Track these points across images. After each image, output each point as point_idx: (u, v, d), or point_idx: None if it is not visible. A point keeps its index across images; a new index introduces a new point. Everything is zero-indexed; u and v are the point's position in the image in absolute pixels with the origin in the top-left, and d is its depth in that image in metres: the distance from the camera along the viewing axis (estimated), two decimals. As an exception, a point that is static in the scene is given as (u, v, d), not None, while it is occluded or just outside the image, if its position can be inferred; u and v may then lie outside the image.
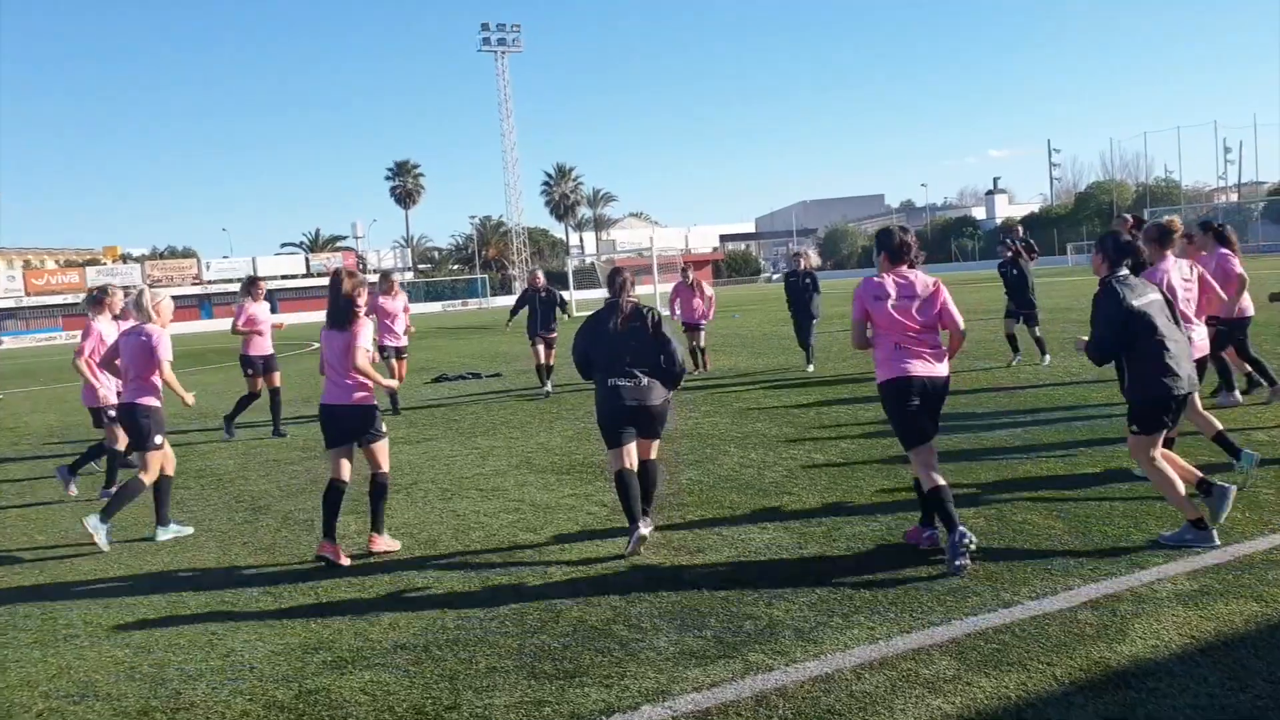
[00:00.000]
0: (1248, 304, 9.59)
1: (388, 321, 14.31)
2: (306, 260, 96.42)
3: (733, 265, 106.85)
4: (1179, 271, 7.13)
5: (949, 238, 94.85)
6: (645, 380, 6.45)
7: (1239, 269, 9.18)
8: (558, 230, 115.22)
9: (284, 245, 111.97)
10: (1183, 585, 5.01)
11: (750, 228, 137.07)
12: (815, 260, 15.14)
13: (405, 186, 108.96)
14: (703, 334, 17.28)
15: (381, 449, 6.87)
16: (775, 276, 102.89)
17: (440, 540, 6.99)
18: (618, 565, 6.09)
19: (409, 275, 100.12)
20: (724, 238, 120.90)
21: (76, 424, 15.89)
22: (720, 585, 5.56)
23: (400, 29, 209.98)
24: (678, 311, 17.28)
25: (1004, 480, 7.41)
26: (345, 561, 6.52)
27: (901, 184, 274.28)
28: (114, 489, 8.48)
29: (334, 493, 6.72)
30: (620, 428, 6.50)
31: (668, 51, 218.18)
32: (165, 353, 7.59)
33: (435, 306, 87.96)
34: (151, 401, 7.65)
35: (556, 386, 15.59)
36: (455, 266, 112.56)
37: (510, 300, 36.05)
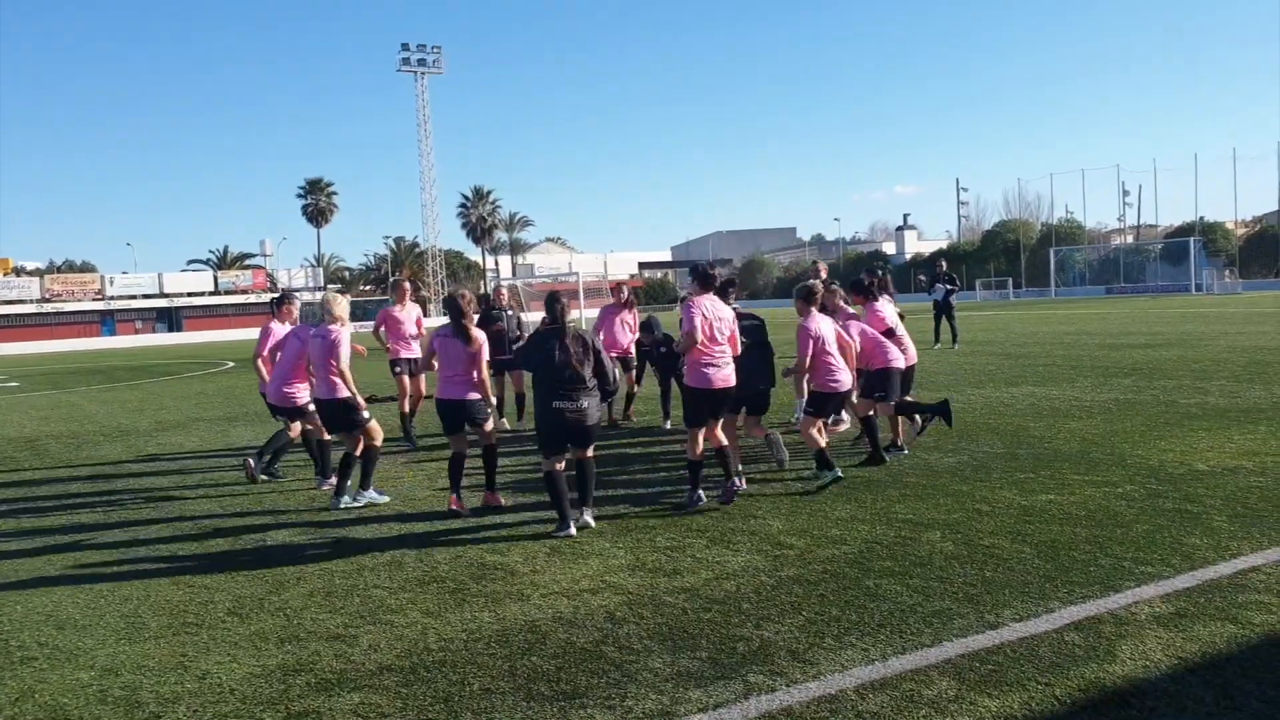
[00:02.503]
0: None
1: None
2: (214, 277, 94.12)
3: (651, 293, 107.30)
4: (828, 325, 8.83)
5: (860, 271, 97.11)
6: (585, 401, 7.40)
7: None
8: (474, 253, 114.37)
9: (191, 262, 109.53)
10: (1159, 608, 5.16)
11: (667, 256, 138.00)
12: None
13: (317, 204, 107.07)
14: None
15: (489, 425, 8.41)
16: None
17: (404, 562, 6.85)
18: (594, 586, 6.04)
19: (319, 295, 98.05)
20: (642, 265, 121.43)
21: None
22: (704, 607, 5.55)
23: (317, 44, 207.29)
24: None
25: (964, 508, 7.53)
26: (465, 509, 8.14)
27: (812, 217, 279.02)
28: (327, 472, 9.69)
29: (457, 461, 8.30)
30: (559, 443, 7.47)
31: (586, 78, 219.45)
32: (345, 350, 8.81)
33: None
34: (344, 393, 8.73)
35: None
36: (366, 287, 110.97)
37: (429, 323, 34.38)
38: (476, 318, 8.31)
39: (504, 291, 14.25)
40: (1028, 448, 9.87)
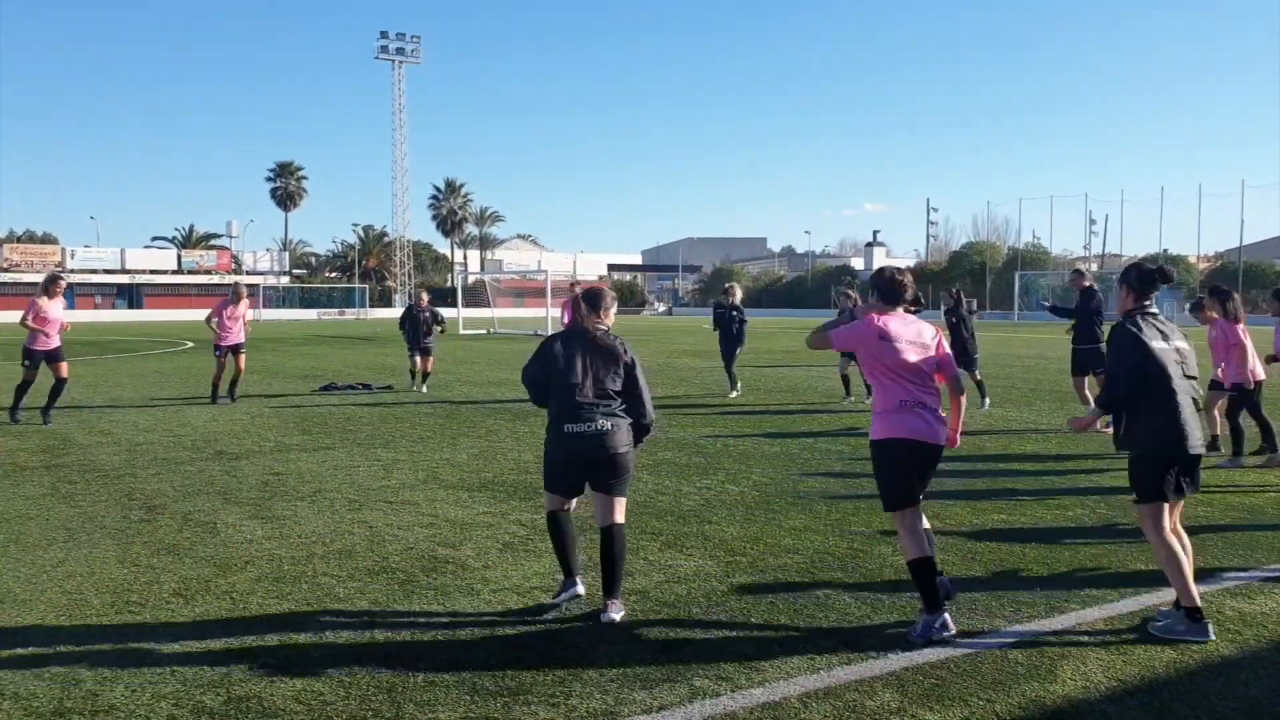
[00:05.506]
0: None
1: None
2: (178, 256, 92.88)
3: (619, 295, 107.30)
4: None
5: (828, 285, 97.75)
6: (607, 423, 5.50)
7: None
8: (442, 246, 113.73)
9: (155, 239, 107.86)
10: (1102, 630, 5.22)
11: (636, 259, 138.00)
12: (740, 295, 17.73)
13: (287, 188, 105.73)
14: None
15: None
16: (661, 309, 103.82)
17: (355, 551, 6.81)
18: (546, 584, 6.03)
19: (284, 280, 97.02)
20: (612, 267, 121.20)
21: None
22: (653, 609, 5.56)
23: (293, 26, 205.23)
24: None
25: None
26: None
27: (782, 229, 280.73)
28: None
29: None
30: (574, 479, 5.64)
31: (563, 78, 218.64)
32: None
33: (310, 314, 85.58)
34: None
35: (456, 401, 15.38)
36: (332, 274, 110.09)
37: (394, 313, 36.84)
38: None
39: (424, 298, 19.22)
40: (983, 467, 9.96)
